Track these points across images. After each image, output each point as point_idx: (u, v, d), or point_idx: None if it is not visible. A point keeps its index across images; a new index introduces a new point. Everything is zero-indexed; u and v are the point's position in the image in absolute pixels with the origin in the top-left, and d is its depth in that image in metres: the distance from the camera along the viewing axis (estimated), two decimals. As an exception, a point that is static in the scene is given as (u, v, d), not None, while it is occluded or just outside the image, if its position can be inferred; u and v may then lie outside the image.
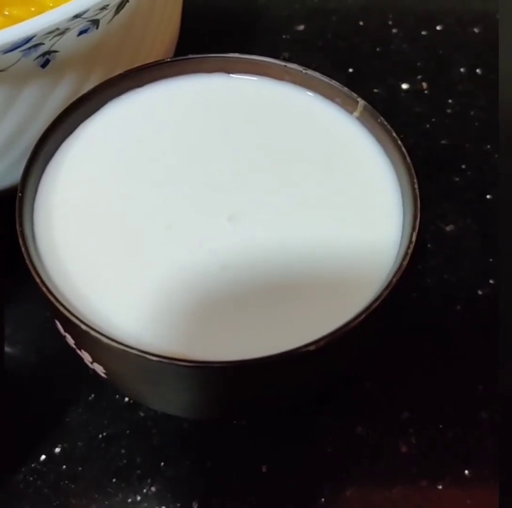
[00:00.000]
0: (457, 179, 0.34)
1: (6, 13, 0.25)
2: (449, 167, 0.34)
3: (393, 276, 0.20)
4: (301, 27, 0.40)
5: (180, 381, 0.20)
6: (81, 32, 0.24)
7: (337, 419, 0.27)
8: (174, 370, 0.19)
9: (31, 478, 0.25)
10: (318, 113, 0.25)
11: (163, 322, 0.20)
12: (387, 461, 0.26)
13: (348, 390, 0.27)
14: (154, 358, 0.18)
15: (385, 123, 0.23)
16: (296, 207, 0.23)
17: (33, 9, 0.25)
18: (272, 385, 0.21)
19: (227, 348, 0.20)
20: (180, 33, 0.33)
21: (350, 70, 0.38)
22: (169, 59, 0.26)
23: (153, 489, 0.25)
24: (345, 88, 0.24)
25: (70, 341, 0.22)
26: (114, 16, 0.24)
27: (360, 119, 0.24)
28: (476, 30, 0.40)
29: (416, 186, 0.22)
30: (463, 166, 0.34)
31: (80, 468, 0.26)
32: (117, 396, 0.27)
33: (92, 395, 0.27)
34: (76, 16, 0.23)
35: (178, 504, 0.25)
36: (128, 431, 0.26)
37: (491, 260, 0.31)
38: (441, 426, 0.27)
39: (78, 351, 0.22)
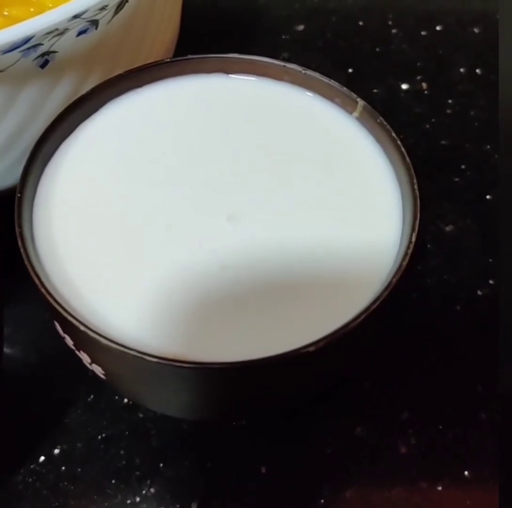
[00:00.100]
0: (457, 179, 0.34)
1: (6, 13, 0.25)
2: (449, 167, 0.34)
3: (393, 277, 0.20)
4: (301, 27, 0.40)
5: (179, 382, 0.20)
6: (80, 33, 0.24)
7: (337, 419, 0.27)
8: (173, 371, 0.19)
9: (30, 480, 0.25)
10: (318, 114, 0.25)
11: (162, 323, 0.20)
12: (386, 461, 0.26)
13: (347, 390, 0.27)
14: (153, 359, 0.18)
15: (385, 123, 0.23)
16: (295, 207, 0.23)
17: (32, 9, 0.25)
18: (271, 386, 0.21)
19: (227, 349, 0.20)
20: (180, 33, 0.33)
21: (350, 70, 0.38)
22: (168, 60, 0.26)
23: (152, 490, 0.25)
24: (345, 88, 0.24)
25: (69, 342, 0.22)
26: (113, 16, 0.24)
27: (360, 119, 0.24)
28: (476, 30, 0.40)
29: (415, 186, 0.22)
30: (463, 166, 0.34)
31: (79, 469, 0.26)
32: (116, 397, 0.27)
33: (91, 396, 0.27)
34: (75, 17, 0.23)
35: (178, 505, 0.25)
36: (127, 432, 0.26)
37: (491, 260, 0.31)
38: (440, 426, 0.26)
39: (77, 352, 0.22)
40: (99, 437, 0.26)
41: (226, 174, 0.23)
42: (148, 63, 0.25)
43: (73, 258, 0.21)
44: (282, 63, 0.25)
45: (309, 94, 0.25)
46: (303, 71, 0.25)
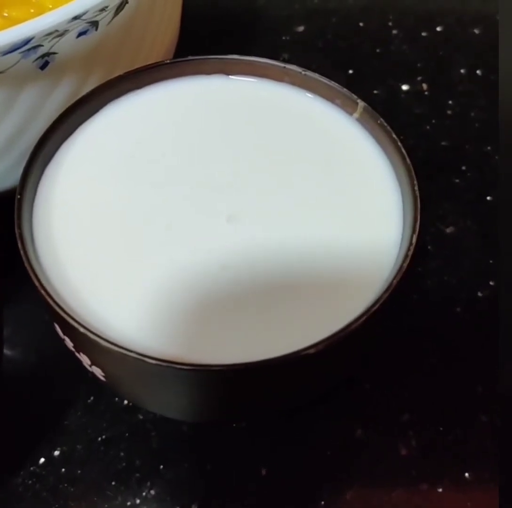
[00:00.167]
0: (457, 180, 0.34)
1: (5, 14, 0.25)
2: (449, 168, 0.34)
3: (394, 278, 0.20)
4: (301, 28, 0.40)
5: (178, 384, 0.20)
6: (80, 34, 0.24)
7: (337, 421, 0.27)
8: (172, 373, 0.19)
9: (30, 482, 0.25)
10: (318, 115, 0.25)
11: (162, 324, 0.20)
12: (387, 463, 0.26)
13: (348, 391, 0.27)
14: (153, 361, 0.18)
15: (385, 124, 0.23)
16: (296, 208, 0.23)
17: (32, 10, 0.25)
18: (271, 388, 0.21)
19: (226, 350, 0.20)
20: (179, 34, 0.33)
21: (350, 71, 0.38)
22: (168, 61, 0.25)
23: (152, 492, 0.25)
24: (345, 90, 0.24)
25: (69, 344, 0.21)
26: (113, 17, 0.24)
27: (360, 120, 0.24)
28: (476, 31, 0.40)
29: (416, 188, 0.22)
30: (463, 167, 0.34)
31: (79, 471, 0.26)
32: (116, 398, 0.27)
33: (91, 398, 0.27)
34: (75, 18, 0.23)
35: (178, 507, 0.25)
36: (127, 434, 0.26)
37: (491, 261, 0.31)
38: (441, 428, 0.26)
39: (77, 354, 0.22)
40: (99, 438, 0.26)
41: (226, 175, 0.23)
42: (148, 65, 0.25)
43: (73, 259, 0.21)
44: (282, 64, 0.25)
45: (309, 95, 0.25)
46: (303, 72, 0.25)
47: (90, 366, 0.21)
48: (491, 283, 0.30)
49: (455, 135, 0.35)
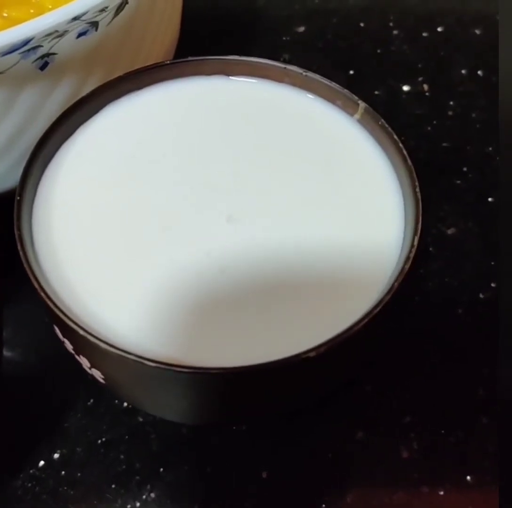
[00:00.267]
0: (458, 181, 0.33)
1: (5, 15, 0.25)
2: (450, 169, 0.34)
3: (395, 280, 0.20)
4: (301, 28, 0.40)
5: (178, 387, 0.20)
6: (80, 34, 0.23)
7: (338, 423, 0.27)
8: (172, 376, 0.19)
9: (29, 484, 0.25)
10: (319, 116, 0.25)
11: (162, 325, 0.20)
12: (388, 466, 0.26)
13: (349, 394, 0.27)
14: (153, 364, 0.18)
15: (386, 125, 0.23)
16: (296, 208, 0.23)
17: (32, 11, 0.25)
18: (272, 391, 0.21)
19: (226, 352, 0.20)
20: (180, 35, 0.33)
21: (351, 71, 0.38)
22: (168, 62, 0.25)
23: (152, 495, 0.25)
24: (346, 90, 0.24)
25: (69, 346, 0.21)
26: (113, 18, 0.24)
27: (361, 121, 0.24)
28: (477, 31, 0.40)
29: (417, 189, 0.22)
30: (465, 169, 0.34)
31: (79, 474, 0.26)
32: (116, 401, 0.27)
33: (91, 400, 0.27)
34: (75, 18, 0.22)
35: (178, 510, 0.25)
36: (127, 437, 0.26)
37: (492, 263, 0.31)
38: (442, 431, 0.26)
39: (77, 357, 0.22)
40: (99, 441, 0.26)
41: (226, 175, 0.23)
42: (148, 65, 0.25)
43: (73, 260, 0.21)
44: (282, 65, 0.25)
45: (310, 96, 0.25)
46: (303, 73, 0.25)
47: (90, 368, 0.21)
48: (492, 284, 0.30)
49: (456, 136, 0.35)
